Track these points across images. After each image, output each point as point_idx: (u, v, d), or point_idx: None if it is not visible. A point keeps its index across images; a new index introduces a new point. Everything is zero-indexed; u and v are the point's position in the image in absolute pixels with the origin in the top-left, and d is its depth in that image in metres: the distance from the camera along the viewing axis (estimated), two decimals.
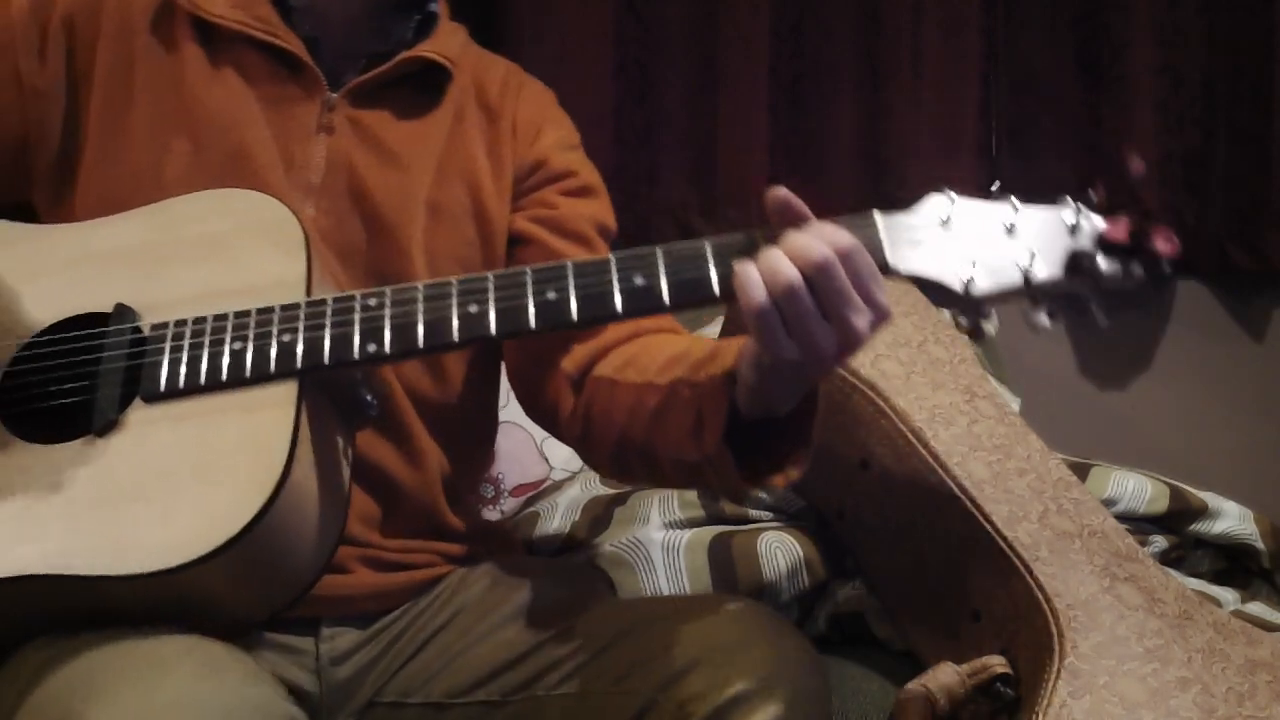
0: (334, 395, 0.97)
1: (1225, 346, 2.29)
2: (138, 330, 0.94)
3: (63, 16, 1.11)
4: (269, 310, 0.93)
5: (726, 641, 0.96)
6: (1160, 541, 1.45)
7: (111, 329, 0.94)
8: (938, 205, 0.92)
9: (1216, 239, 2.22)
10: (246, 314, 0.93)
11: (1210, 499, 1.49)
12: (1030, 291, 0.91)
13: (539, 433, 1.72)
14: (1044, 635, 1.14)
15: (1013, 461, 1.30)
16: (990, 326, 0.92)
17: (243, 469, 0.87)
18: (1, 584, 0.84)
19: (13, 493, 0.89)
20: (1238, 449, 2.23)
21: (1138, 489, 1.46)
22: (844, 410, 1.34)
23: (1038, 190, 0.91)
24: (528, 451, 1.72)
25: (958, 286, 0.90)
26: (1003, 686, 1.14)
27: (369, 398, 0.98)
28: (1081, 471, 1.43)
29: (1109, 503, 1.41)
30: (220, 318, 0.93)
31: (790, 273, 0.84)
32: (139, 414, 0.91)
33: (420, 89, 1.16)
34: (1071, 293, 0.93)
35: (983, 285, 0.90)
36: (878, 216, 0.91)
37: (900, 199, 0.91)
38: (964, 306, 0.92)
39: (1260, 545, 1.49)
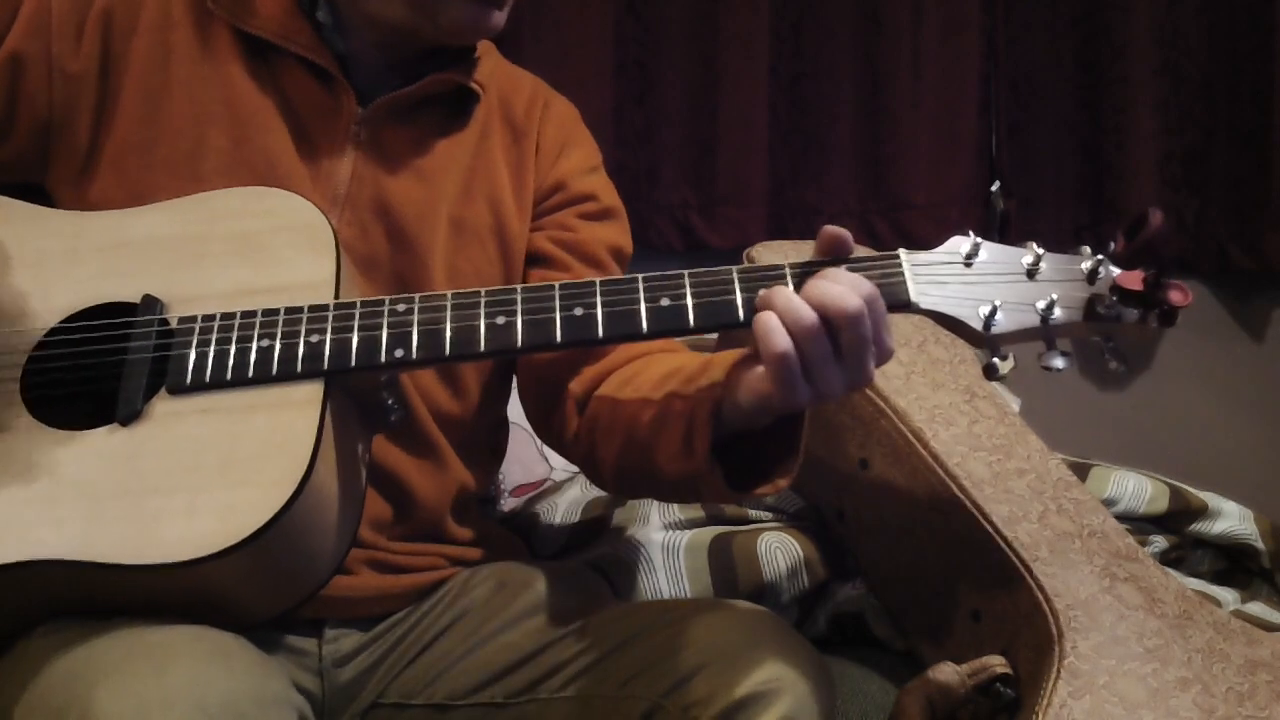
0: (358, 398, 0.97)
1: (1225, 346, 2.29)
2: (165, 322, 0.95)
3: (103, 7, 1.11)
4: (298, 310, 0.94)
5: (731, 646, 0.96)
6: (1160, 541, 1.45)
7: (140, 319, 0.95)
8: (960, 244, 0.96)
9: (1216, 239, 2.23)
10: (275, 312, 0.94)
11: (1210, 499, 1.49)
12: (1047, 333, 0.95)
13: None
14: (1044, 635, 1.14)
15: (1013, 461, 1.30)
16: (1005, 367, 0.94)
17: (266, 467, 0.87)
18: (17, 567, 0.84)
19: (35, 477, 0.89)
20: (1238, 449, 2.23)
21: (1138, 489, 1.46)
22: (844, 410, 1.34)
23: (1052, 212, 0.96)
24: (528, 451, 1.72)
25: (977, 325, 0.94)
26: (1003, 686, 1.14)
27: (391, 403, 0.99)
28: (1081, 471, 1.43)
29: (1109, 503, 1.41)
30: (249, 314, 0.94)
31: (812, 320, 0.87)
32: (164, 405, 0.91)
33: (449, 107, 1.17)
34: (1086, 337, 0.98)
35: (1002, 324, 0.94)
36: (903, 255, 0.95)
37: (912, 222, 0.95)
38: (982, 344, 0.95)
39: (1260, 545, 1.49)
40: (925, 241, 2.19)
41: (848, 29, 2.21)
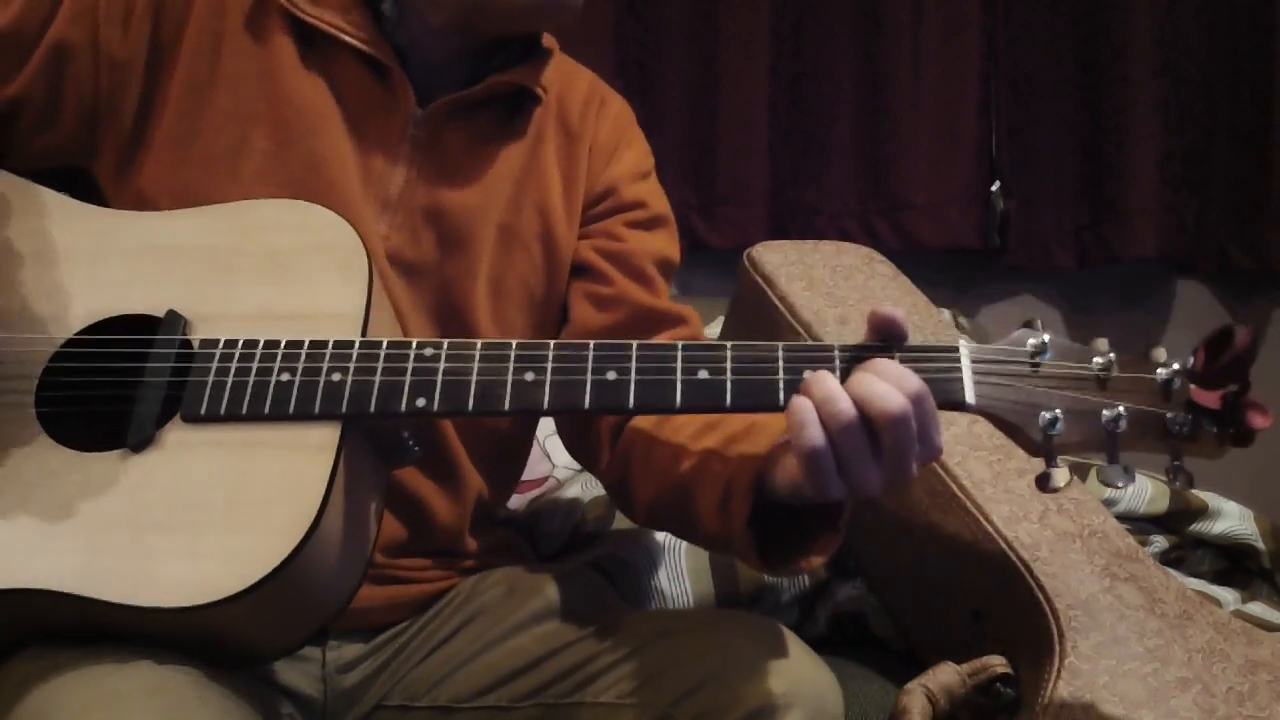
0: (375, 436, 0.95)
1: None
2: (187, 344, 0.92)
3: None
4: (322, 344, 0.91)
5: (742, 658, 0.94)
6: (1160, 541, 1.45)
7: (160, 338, 0.92)
8: (1027, 341, 0.89)
9: (1216, 239, 2.23)
10: (299, 344, 0.91)
11: (1210, 499, 1.49)
12: (1111, 446, 0.87)
13: (541, 431, 1.71)
14: (1044, 635, 1.14)
15: (1013, 461, 1.30)
16: (1062, 476, 0.87)
17: (273, 513, 0.85)
18: (10, 594, 0.84)
19: (38, 498, 0.87)
20: (1238, 449, 2.22)
21: (1138, 489, 1.46)
22: None
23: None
24: (531, 450, 1.71)
25: (1036, 435, 0.87)
26: (1003, 686, 1.14)
27: (412, 443, 0.96)
28: (1081, 471, 1.43)
29: (1109, 503, 1.41)
30: (271, 344, 0.91)
31: (851, 417, 0.82)
32: (176, 434, 0.89)
33: (506, 111, 1.13)
34: (1153, 452, 0.89)
35: (1062, 434, 0.87)
36: (963, 349, 0.89)
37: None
38: (1038, 453, 0.88)
39: (1260, 545, 1.49)
40: (925, 241, 2.21)
41: (848, 29, 2.21)
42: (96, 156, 1.07)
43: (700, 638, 0.97)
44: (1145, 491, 1.46)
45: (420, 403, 0.89)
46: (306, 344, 0.91)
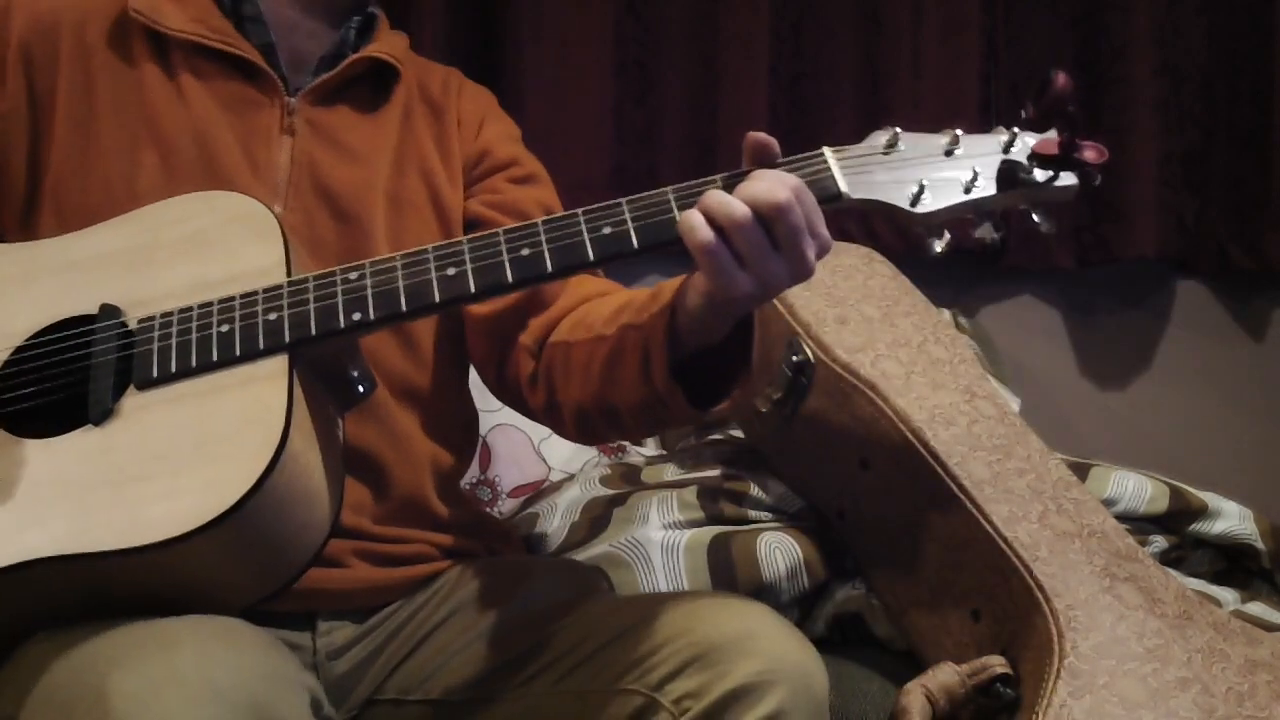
0: (324, 376, 0.98)
1: (1225, 346, 2.29)
2: (124, 325, 0.96)
3: (19, 43, 1.12)
4: (252, 294, 0.96)
5: (724, 638, 0.96)
6: (1160, 541, 1.45)
7: (99, 325, 0.96)
8: (881, 136, 1.01)
9: (1216, 239, 2.22)
10: (230, 299, 0.95)
11: (1210, 499, 1.49)
12: (973, 205, 1.00)
13: (537, 434, 1.72)
14: (1044, 635, 1.14)
15: (1013, 461, 1.30)
16: (940, 244, 0.99)
17: (242, 440, 0.88)
18: (10, 571, 0.84)
19: (14, 484, 0.89)
20: (1238, 449, 2.23)
21: (1138, 489, 1.46)
22: (844, 410, 1.34)
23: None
24: (525, 453, 1.72)
25: (905, 204, 0.98)
26: (1003, 686, 1.14)
27: (356, 374, 1.01)
28: (1081, 471, 1.43)
29: (1109, 503, 1.41)
30: (205, 305, 0.95)
31: (743, 212, 0.91)
32: (134, 401, 0.92)
33: (371, 88, 1.21)
34: (1012, 205, 1.02)
35: (929, 204, 0.98)
36: (827, 151, 1.00)
37: (918, 237, 0.99)
38: (914, 225, 1.00)
39: (1260, 545, 1.49)
40: (925, 241, 2.21)
41: (848, 29, 2.20)
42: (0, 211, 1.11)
43: (682, 620, 0.98)
44: (1145, 492, 1.46)
45: (357, 316, 0.95)
46: (238, 298, 0.96)
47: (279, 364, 0.92)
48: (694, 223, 0.92)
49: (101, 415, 0.91)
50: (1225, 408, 2.27)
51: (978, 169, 0.99)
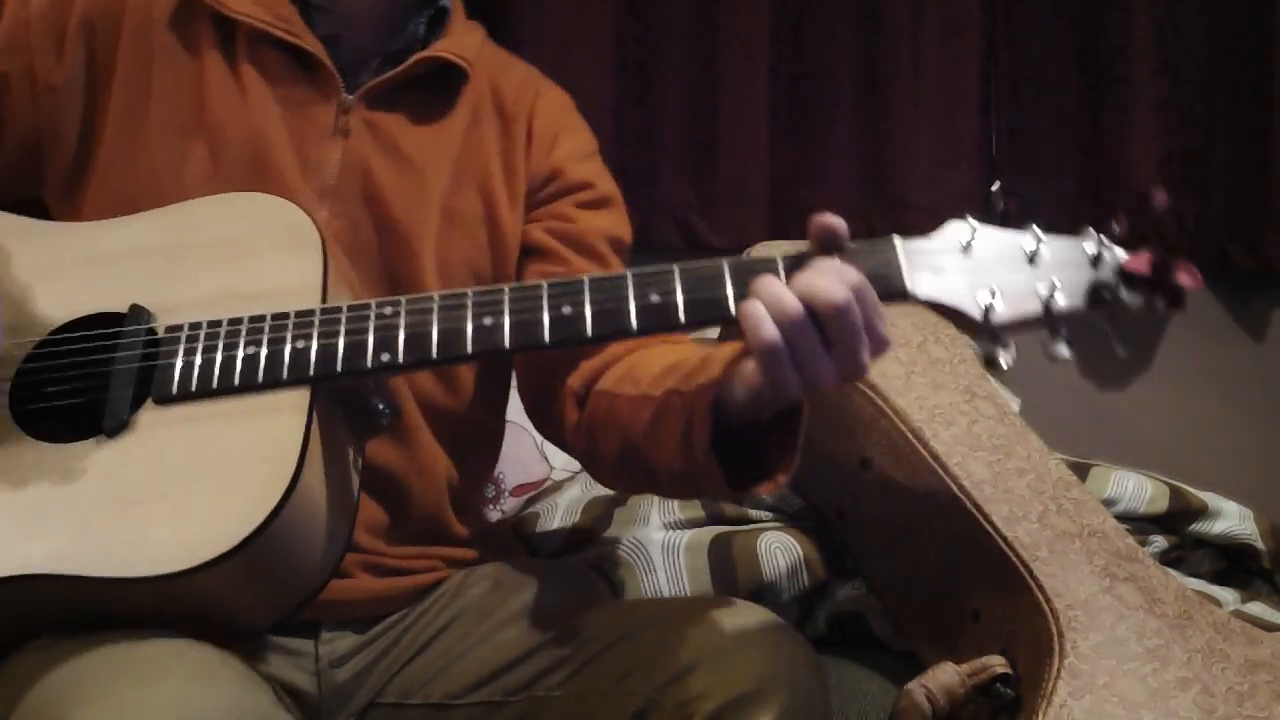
0: (346, 404, 0.96)
1: (1225, 346, 2.29)
2: (152, 332, 0.94)
3: (82, 17, 1.10)
4: (284, 316, 0.93)
5: (726, 643, 0.95)
6: (1160, 541, 1.45)
7: (127, 329, 0.94)
8: (959, 231, 0.92)
9: (1216, 239, 2.23)
10: (261, 319, 0.93)
11: (1210, 499, 1.49)
12: (1050, 321, 0.91)
13: (538, 434, 1.72)
14: (1044, 635, 1.14)
15: (1013, 461, 1.30)
16: (1007, 357, 0.90)
17: (253, 473, 0.86)
18: (4, 582, 0.84)
19: (21, 490, 0.88)
20: (1238, 449, 2.23)
21: (1138, 489, 1.46)
22: (844, 410, 1.34)
23: (1053, 212, 0.91)
24: (528, 451, 1.72)
25: (976, 314, 0.90)
26: (1003, 686, 1.14)
27: (381, 407, 0.98)
28: (1081, 471, 1.43)
29: (1109, 503, 1.41)
30: (235, 322, 0.93)
31: (797, 310, 0.85)
32: (150, 415, 0.91)
33: (436, 90, 1.15)
34: (1091, 323, 0.93)
35: (1002, 313, 0.90)
36: (897, 241, 0.91)
37: (912, 222, 0.91)
38: (982, 334, 0.91)
39: (1260, 545, 1.49)
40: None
41: (848, 29, 2.20)
42: (44, 183, 1.10)
43: (684, 625, 0.98)
44: (1145, 492, 1.46)
45: (385, 357, 0.91)
46: (269, 318, 0.93)
47: (299, 398, 0.90)
48: (760, 317, 0.86)
49: (116, 428, 0.90)
50: (1225, 408, 2.27)
51: (1058, 280, 0.91)
